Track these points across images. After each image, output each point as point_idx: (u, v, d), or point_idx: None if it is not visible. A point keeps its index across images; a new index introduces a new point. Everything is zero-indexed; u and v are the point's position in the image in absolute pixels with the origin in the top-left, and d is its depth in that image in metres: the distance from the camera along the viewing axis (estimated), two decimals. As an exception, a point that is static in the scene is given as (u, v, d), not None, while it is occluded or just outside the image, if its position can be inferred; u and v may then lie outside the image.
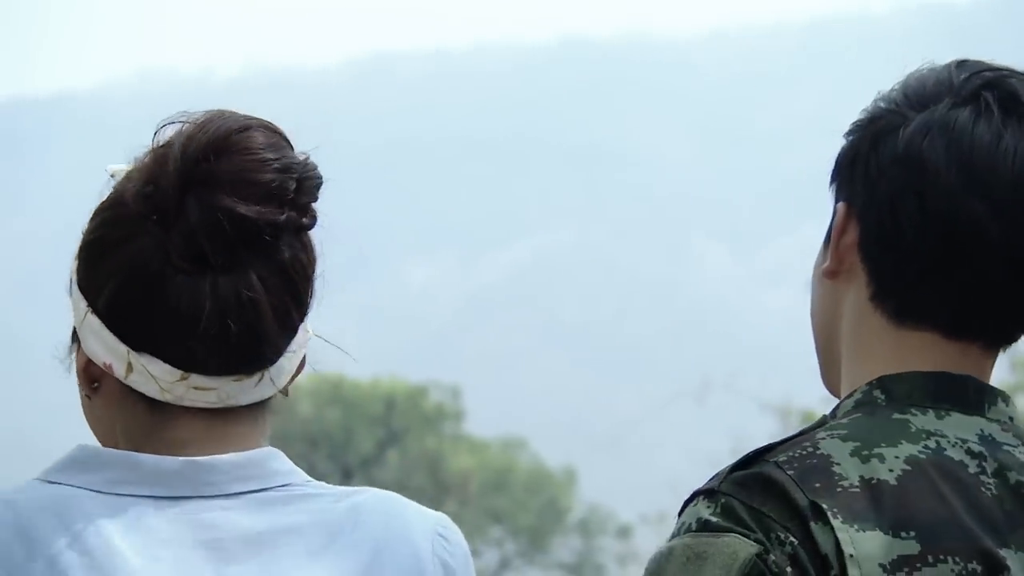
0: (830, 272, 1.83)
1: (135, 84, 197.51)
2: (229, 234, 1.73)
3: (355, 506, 1.80)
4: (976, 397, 1.78)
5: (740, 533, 1.65)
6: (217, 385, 1.77)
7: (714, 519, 1.67)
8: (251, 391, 1.79)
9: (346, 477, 39.87)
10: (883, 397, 1.78)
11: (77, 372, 1.83)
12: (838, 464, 1.70)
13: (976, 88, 1.79)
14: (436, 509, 1.81)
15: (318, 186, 1.81)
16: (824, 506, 1.67)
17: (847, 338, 1.83)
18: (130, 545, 1.72)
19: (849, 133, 1.84)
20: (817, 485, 1.68)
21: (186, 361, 1.76)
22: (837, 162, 1.85)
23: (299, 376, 1.87)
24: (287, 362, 1.82)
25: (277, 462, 1.81)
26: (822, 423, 1.79)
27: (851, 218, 1.81)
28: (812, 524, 1.66)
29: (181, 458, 1.76)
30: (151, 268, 1.74)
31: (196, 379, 1.76)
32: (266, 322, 1.77)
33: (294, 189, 1.77)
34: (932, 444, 1.74)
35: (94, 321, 1.78)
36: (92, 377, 1.81)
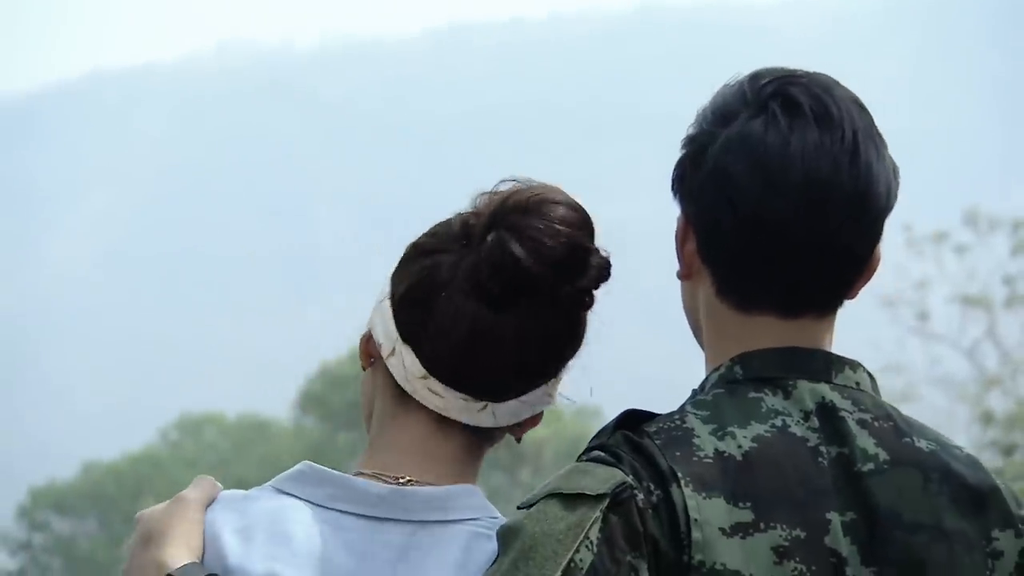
0: (682, 275, 2.17)
1: (215, 57, 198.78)
2: (507, 274, 2.03)
3: None
4: (824, 366, 2.09)
5: (621, 470, 1.97)
6: (446, 395, 2.07)
7: (604, 455, 2.01)
8: (472, 414, 2.09)
9: (423, 446, 40.11)
10: (741, 372, 2.08)
11: (360, 344, 2.14)
12: (698, 437, 2.01)
13: (764, 100, 2.09)
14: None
15: (602, 277, 2.09)
16: (679, 474, 1.97)
17: (706, 325, 2.15)
18: (330, 548, 2.02)
19: (681, 149, 2.15)
20: (678, 454, 1.99)
21: (432, 364, 2.07)
22: (672, 179, 2.16)
23: (529, 426, 2.17)
24: (516, 407, 2.11)
25: (472, 498, 2.09)
26: (692, 396, 2.11)
27: (688, 228, 2.13)
28: (671, 487, 1.96)
29: (389, 485, 2.06)
30: (439, 279, 2.06)
31: (433, 382, 2.07)
32: (507, 365, 2.05)
33: (578, 269, 2.06)
34: (779, 423, 2.03)
35: (387, 307, 2.10)
36: (369, 353, 2.14)
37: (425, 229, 2.14)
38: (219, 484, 2.10)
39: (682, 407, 2.07)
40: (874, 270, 2.14)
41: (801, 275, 2.08)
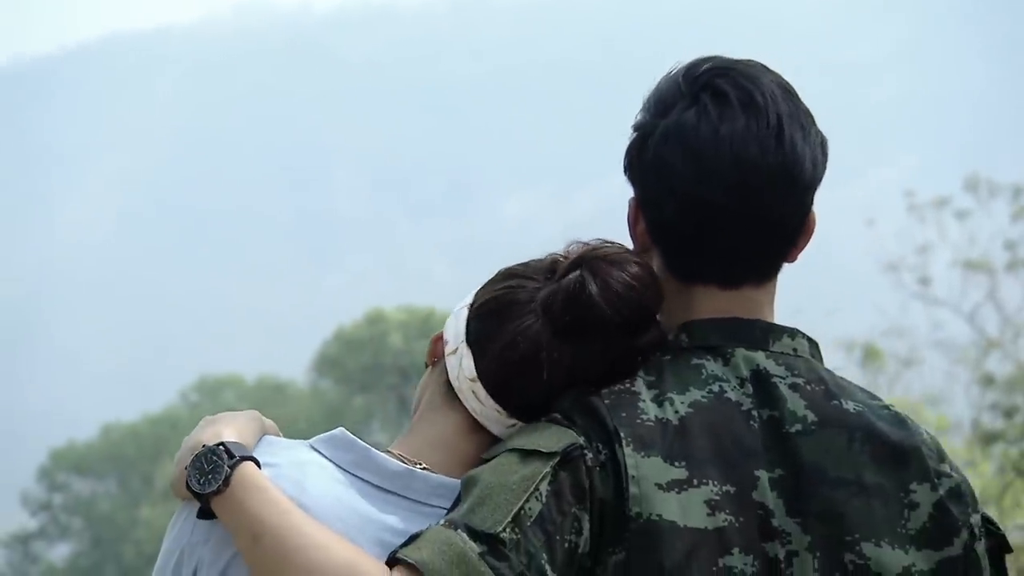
0: (638, 252, 2.36)
1: (232, 20, 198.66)
2: (579, 307, 2.22)
3: None
4: (762, 335, 2.30)
5: (574, 432, 2.18)
6: (486, 403, 2.27)
7: (559, 417, 2.21)
8: (501, 427, 2.29)
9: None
10: (686, 339, 2.30)
11: (430, 342, 2.36)
12: (643, 400, 2.22)
13: (696, 92, 2.31)
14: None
15: (656, 345, 2.26)
16: (623, 434, 2.17)
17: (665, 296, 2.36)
18: (337, 505, 2.21)
19: (631, 133, 2.36)
20: (623, 415, 2.20)
21: (485, 372, 2.27)
22: (623, 164, 2.36)
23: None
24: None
25: None
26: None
27: (639, 211, 2.36)
28: (616, 447, 2.17)
29: (404, 465, 2.25)
30: (517, 298, 2.26)
31: (479, 387, 2.27)
32: (548, 392, 2.23)
33: (641, 327, 2.24)
34: (716, 388, 2.25)
35: (463, 313, 2.31)
36: (435, 353, 2.35)
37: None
38: (280, 432, 2.35)
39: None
40: (810, 235, 2.35)
41: (739, 250, 2.29)
